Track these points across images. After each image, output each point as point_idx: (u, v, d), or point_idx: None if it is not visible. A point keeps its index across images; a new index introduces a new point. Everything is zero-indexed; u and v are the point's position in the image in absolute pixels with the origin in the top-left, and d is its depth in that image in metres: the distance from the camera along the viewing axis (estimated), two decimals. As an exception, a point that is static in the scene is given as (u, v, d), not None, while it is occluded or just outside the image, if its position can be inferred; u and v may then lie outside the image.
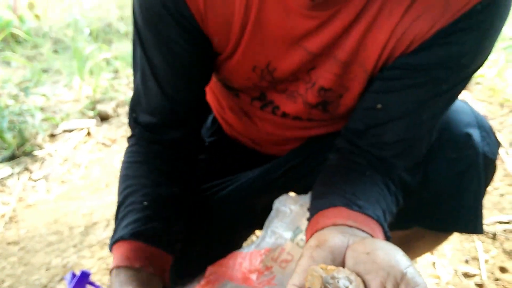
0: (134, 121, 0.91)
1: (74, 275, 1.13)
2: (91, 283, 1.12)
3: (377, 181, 0.81)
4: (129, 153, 0.93)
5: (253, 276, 0.92)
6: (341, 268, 0.55)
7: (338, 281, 0.52)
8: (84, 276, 1.10)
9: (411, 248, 1.12)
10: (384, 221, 0.74)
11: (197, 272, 1.01)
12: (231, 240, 1.13)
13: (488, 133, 0.92)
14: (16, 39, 3.73)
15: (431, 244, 1.12)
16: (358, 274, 0.55)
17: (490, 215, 1.66)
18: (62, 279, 1.44)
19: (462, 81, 0.81)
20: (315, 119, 0.96)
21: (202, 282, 0.99)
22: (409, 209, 0.95)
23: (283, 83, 0.89)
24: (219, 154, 1.16)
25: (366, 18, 0.75)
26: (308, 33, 0.79)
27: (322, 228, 0.69)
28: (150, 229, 0.82)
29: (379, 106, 0.81)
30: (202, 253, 1.02)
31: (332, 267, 0.55)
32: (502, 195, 1.75)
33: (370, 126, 0.83)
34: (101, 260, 1.52)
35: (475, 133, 0.89)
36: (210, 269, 0.99)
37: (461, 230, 0.99)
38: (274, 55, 0.84)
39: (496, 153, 0.93)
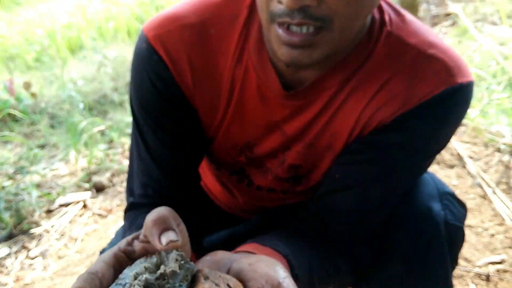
0: (130, 194, 0.94)
1: None
2: None
3: (315, 242, 0.85)
4: (127, 217, 0.94)
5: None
6: (223, 273, 0.58)
7: (219, 275, 0.55)
8: None
9: None
10: (293, 259, 0.75)
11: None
12: None
13: (450, 201, 0.94)
14: (13, 118, 3.83)
15: None
16: (240, 281, 0.57)
17: (482, 257, 1.66)
18: None
19: (418, 163, 0.86)
20: (289, 191, 1.00)
21: None
22: (383, 280, 0.97)
23: (260, 159, 0.94)
24: None
25: (332, 108, 0.83)
26: (285, 119, 0.86)
27: None
28: None
29: (337, 175, 0.87)
30: None
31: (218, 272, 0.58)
32: (492, 235, 1.75)
33: (326, 192, 0.89)
34: (95, 336, 1.51)
35: (436, 205, 0.91)
36: None
37: None
38: (253, 137, 0.91)
39: (462, 219, 0.94)
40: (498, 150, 2.26)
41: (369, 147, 0.83)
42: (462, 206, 0.96)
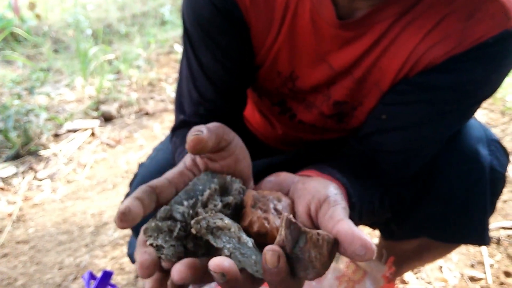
0: (180, 112, 0.93)
1: (91, 275, 1.14)
2: (110, 284, 1.13)
3: (363, 176, 0.83)
4: (178, 134, 0.92)
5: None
6: (275, 192, 0.60)
7: (267, 199, 0.57)
8: (107, 276, 1.11)
9: (423, 258, 1.16)
10: (350, 188, 0.76)
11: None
12: None
13: (497, 147, 0.94)
14: (16, 38, 3.72)
15: (441, 254, 1.15)
16: (291, 199, 0.59)
17: (494, 221, 1.69)
18: (76, 278, 1.45)
19: (468, 107, 0.84)
20: (330, 129, 0.99)
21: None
22: (419, 220, 0.99)
23: (303, 93, 0.92)
24: None
25: (384, 42, 0.80)
26: (333, 50, 0.83)
27: None
28: None
29: (383, 116, 0.85)
30: None
31: (268, 192, 0.60)
32: (505, 201, 1.78)
33: (372, 133, 0.88)
34: (114, 260, 1.53)
35: (483, 149, 0.91)
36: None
37: (469, 242, 1.02)
38: (299, 65, 0.88)
39: (505, 166, 0.95)
40: (515, 119, 2.27)
41: (418, 88, 0.81)
42: (506, 154, 0.96)
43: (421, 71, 0.80)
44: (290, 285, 0.47)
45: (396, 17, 0.78)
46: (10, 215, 1.86)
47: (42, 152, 2.28)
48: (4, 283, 1.47)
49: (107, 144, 2.40)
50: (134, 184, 1.05)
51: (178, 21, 4.18)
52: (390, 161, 0.89)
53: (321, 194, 0.55)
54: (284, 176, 0.66)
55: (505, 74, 0.81)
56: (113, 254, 1.55)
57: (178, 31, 3.95)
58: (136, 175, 1.07)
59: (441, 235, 1.01)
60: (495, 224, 1.67)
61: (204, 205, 0.54)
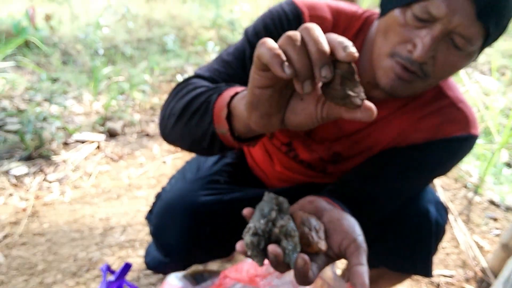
0: (195, 73, 1.09)
1: (108, 267, 1.38)
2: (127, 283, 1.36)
3: (357, 209, 1.09)
4: (182, 84, 1.04)
5: (258, 279, 1.22)
6: (312, 215, 0.83)
7: (310, 221, 0.79)
8: (127, 267, 1.35)
9: (379, 284, 1.47)
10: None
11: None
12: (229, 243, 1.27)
13: (441, 207, 1.26)
14: (27, 46, 3.98)
15: (394, 282, 1.46)
16: (323, 222, 0.82)
17: (436, 269, 2.02)
18: (89, 269, 1.71)
19: (428, 178, 1.18)
20: (322, 170, 1.30)
21: (216, 283, 1.28)
22: (381, 253, 1.30)
23: (311, 140, 1.23)
24: (233, 171, 1.44)
25: (384, 121, 1.14)
26: (347, 119, 1.15)
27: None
28: None
29: (368, 169, 1.16)
30: (207, 250, 1.27)
31: (308, 214, 0.83)
32: (447, 254, 2.12)
33: (353, 180, 1.15)
34: (121, 259, 1.79)
35: (432, 207, 1.22)
36: (223, 273, 1.28)
37: (417, 273, 1.32)
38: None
39: (445, 221, 1.26)
40: (465, 186, 2.65)
41: (399, 157, 1.13)
42: (446, 212, 1.29)
43: (404, 147, 1.13)
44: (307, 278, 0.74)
45: (396, 109, 1.12)
46: (24, 210, 2.11)
47: (53, 157, 2.54)
48: (26, 266, 1.72)
49: (111, 158, 2.67)
50: (157, 206, 1.25)
51: (180, 51, 4.50)
52: (366, 200, 1.13)
53: (351, 236, 0.77)
54: (318, 203, 0.88)
55: (458, 162, 1.15)
56: (120, 254, 1.82)
57: (180, 61, 4.26)
58: (158, 198, 1.31)
59: (396, 266, 1.30)
60: (438, 271, 2.01)
61: (273, 222, 0.76)
